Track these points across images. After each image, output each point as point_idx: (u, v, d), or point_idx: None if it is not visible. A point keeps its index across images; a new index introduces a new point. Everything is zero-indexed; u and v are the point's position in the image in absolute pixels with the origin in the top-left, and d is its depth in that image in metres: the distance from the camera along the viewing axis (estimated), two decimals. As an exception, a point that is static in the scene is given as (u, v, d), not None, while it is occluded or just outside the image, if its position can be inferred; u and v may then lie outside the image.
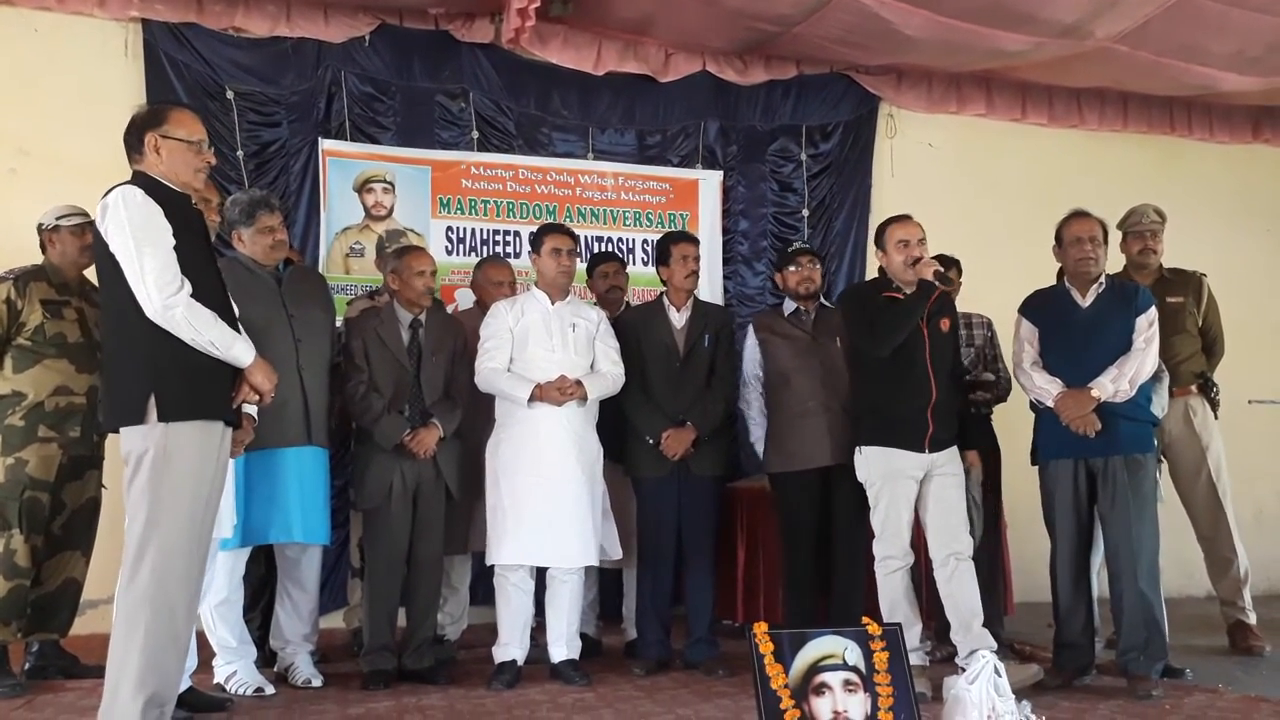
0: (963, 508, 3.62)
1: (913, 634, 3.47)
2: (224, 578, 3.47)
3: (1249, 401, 5.99)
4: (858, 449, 3.67)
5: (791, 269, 4.06)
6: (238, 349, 2.76)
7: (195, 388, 2.70)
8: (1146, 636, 3.53)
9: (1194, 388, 4.39)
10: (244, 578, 3.60)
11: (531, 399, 3.65)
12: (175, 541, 2.63)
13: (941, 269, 3.58)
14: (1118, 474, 3.59)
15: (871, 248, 5.82)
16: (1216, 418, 4.47)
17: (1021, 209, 5.82)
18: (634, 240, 5.52)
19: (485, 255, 5.11)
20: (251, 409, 3.10)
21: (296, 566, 3.63)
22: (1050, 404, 3.65)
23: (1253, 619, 4.37)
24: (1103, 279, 3.74)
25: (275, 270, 3.64)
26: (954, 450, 3.64)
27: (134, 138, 2.83)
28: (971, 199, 6.00)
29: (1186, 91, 6.10)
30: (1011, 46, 5.38)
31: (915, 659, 3.42)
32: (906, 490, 3.57)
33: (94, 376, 3.65)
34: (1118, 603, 3.59)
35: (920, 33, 5.21)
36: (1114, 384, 3.57)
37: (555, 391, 3.65)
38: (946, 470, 3.60)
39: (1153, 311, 3.69)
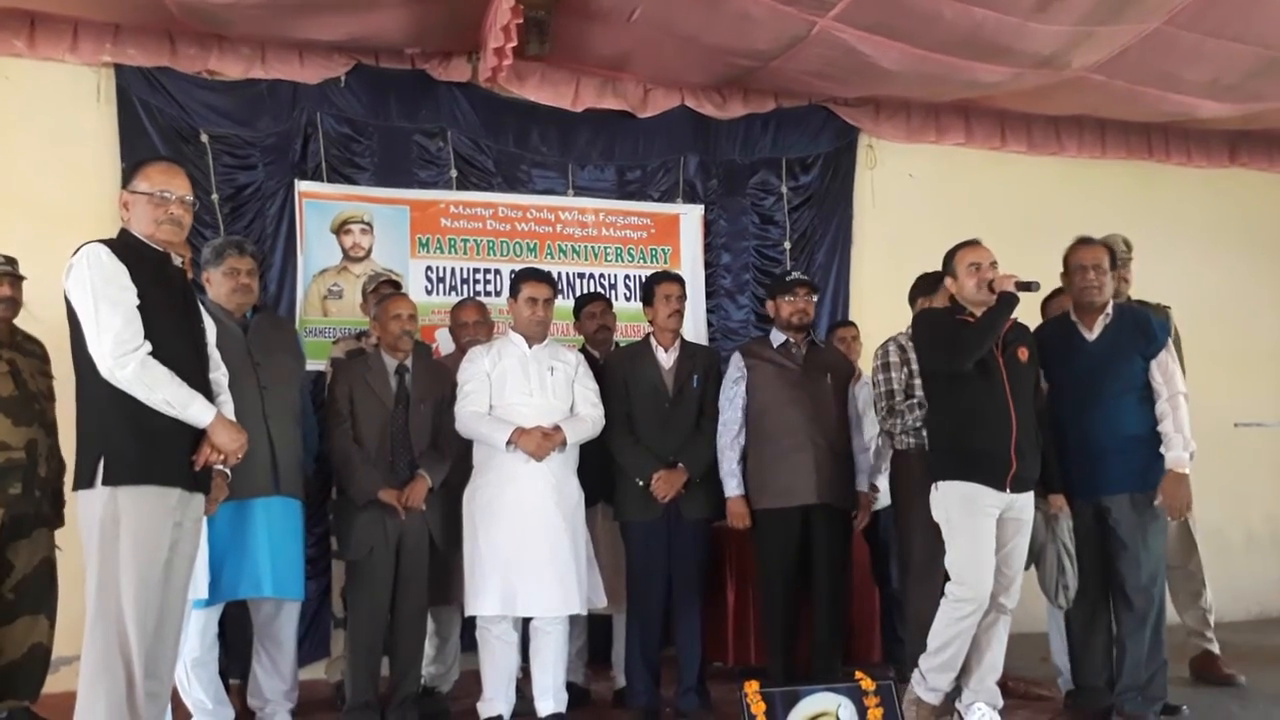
0: (1024, 559, 3.48)
1: (945, 679, 3.38)
2: (195, 637, 3.37)
3: (1235, 425, 6.01)
4: (934, 485, 3.49)
5: (787, 299, 3.95)
6: (195, 409, 2.68)
7: (147, 451, 2.63)
8: (1150, 676, 3.49)
9: None
10: (221, 636, 3.51)
11: (510, 444, 3.58)
12: (126, 609, 2.56)
13: (1023, 279, 3.46)
14: (1126, 513, 3.53)
15: (854, 279, 5.92)
16: None
17: (1004, 237, 5.66)
18: (615, 276, 5.48)
19: (466, 295, 5.07)
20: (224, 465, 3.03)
21: (272, 622, 3.53)
22: None
23: (1217, 649, 4.31)
24: (1109, 309, 3.67)
25: (243, 318, 3.56)
26: (1031, 496, 3.48)
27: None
28: (953, 228, 5.81)
29: (1164, 118, 6.12)
30: (989, 78, 5.39)
31: (933, 698, 3.38)
32: (989, 528, 3.37)
33: (33, 429, 3.57)
34: (1121, 641, 3.54)
35: (898, 65, 5.21)
36: (1185, 449, 3.49)
37: (532, 442, 3.57)
38: (1021, 516, 3.43)
39: (1163, 355, 3.59)
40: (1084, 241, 3.75)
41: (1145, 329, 3.62)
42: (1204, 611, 4.34)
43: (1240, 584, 5.73)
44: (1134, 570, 3.52)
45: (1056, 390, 3.64)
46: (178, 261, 2.88)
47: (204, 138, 4.89)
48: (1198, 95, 5.60)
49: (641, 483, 3.79)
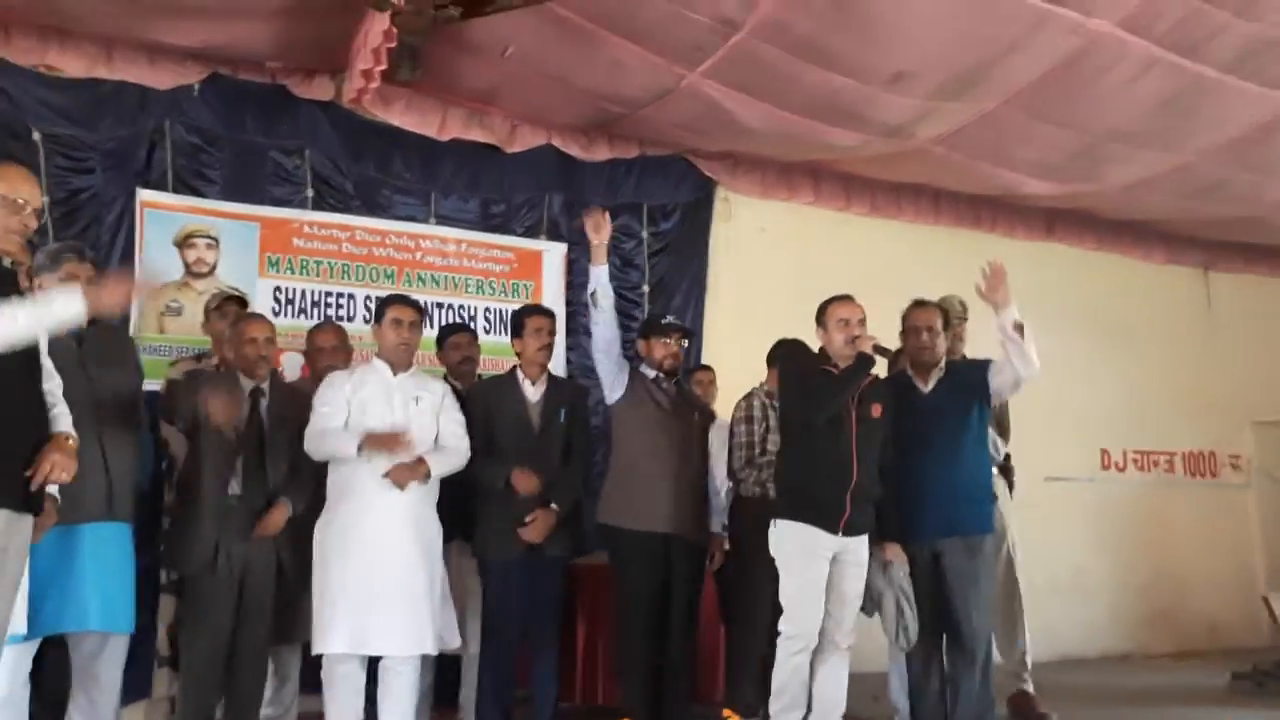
0: (858, 601, 3.62)
1: (794, 718, 3.46)
2: (6, 675, 3.03)
3: (1045, 479, 6.47)
4: (773, 522, 3.63)
5: (662, 341, 4.03)
6: (58, 304, 2.57)
7: None
8: (980, 715, 3.67)
9: (995, 469, 4.62)
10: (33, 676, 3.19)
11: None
12: None
13: (881, 344, 3.64)
14: (959, 556, 3.73)
15: (708, 325, 6.06)
16: (1012, 498, 4.70)
17: (846, 292, 6.09)
18: (476, 308, 5.42)
19: (316, 317, 4.89)
20: (53, 488, 2.78)
21: (95, 660, 3.21)
22: None
23: (1031, 688, 4.57)
24: (942, 364, 3.92)
25: (78, 329, 3.24)
26: (865, 540, 3.64)
27: None
28: (800, 282, 6.13)
29: (992, 191, 6.61)
30: (841, 141, 5.69)
31: None
32: (820, 570, 3.53)
33: None
34: (955, 680, 3.72)
35: (759, 123, 5.43)
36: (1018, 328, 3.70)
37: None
38: (854, 560, 3.59)
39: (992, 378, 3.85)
40: (919, 304, 4.01)
41: (976, 382, 3.90)
42: (1022, 652, 4.61)
43: (1049, 628, 6.11)
44: (966, 613, 3.72)
45: (895, 441, 3.82)
46: (6, 263, 2.66)
47: (36, 136, 4.55)
48: (1024, 173, 6.10)
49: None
